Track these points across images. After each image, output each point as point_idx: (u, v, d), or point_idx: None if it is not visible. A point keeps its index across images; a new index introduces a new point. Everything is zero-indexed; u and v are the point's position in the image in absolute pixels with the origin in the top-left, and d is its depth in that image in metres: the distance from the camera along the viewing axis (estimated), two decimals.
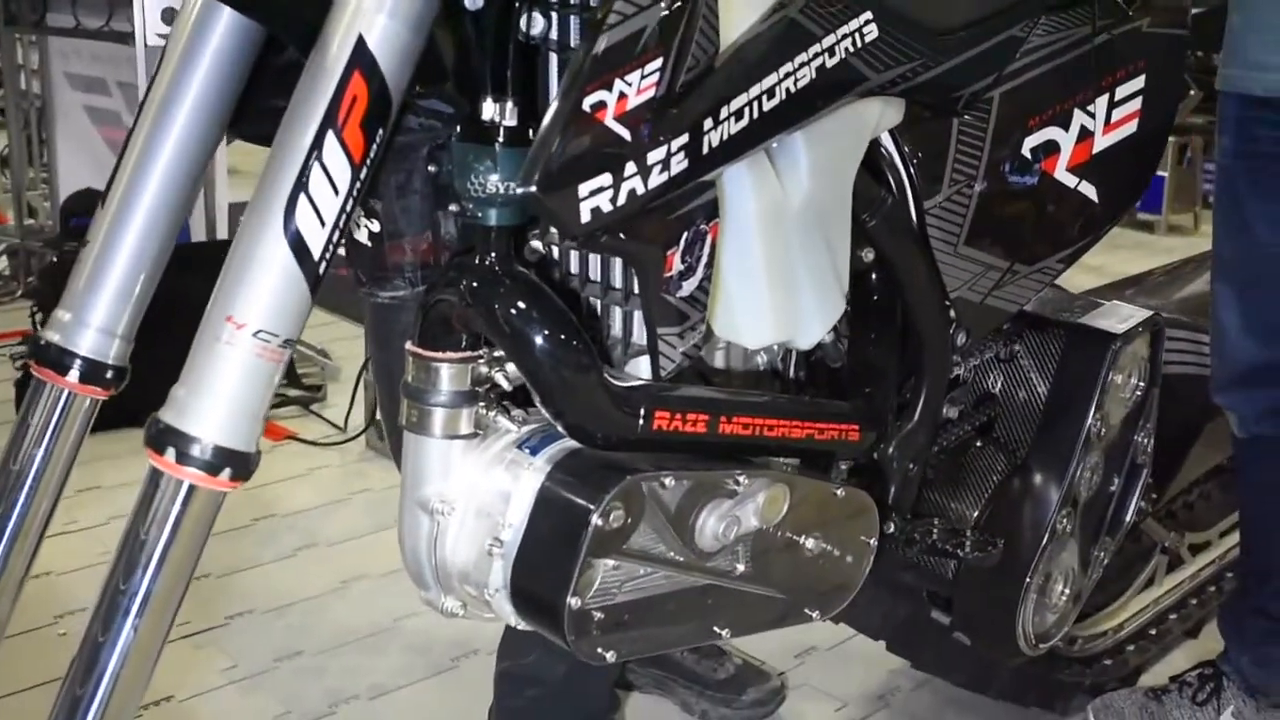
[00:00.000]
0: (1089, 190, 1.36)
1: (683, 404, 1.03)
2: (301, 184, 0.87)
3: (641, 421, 0.99)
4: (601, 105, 0.88)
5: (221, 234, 3.18)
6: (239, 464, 0.89)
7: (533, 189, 0.86)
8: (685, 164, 0.93)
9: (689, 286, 1.02)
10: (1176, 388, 1.61)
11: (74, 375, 1.05)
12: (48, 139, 3.81)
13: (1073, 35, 1.30)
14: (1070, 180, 1.34)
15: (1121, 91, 1.37)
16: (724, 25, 0.96)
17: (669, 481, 1.00)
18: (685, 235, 0.99)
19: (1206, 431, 1.77)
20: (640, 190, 0.91)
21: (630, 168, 0.90)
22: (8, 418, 1.95)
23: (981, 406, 1.47)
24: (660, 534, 1.01)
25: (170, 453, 0.88)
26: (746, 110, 0.97)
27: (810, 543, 1.12)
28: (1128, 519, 1.54)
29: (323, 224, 0.89)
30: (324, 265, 0.90)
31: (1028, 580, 1.40)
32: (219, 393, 0.88)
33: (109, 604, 0.89)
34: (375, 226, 1.12)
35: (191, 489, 0.89)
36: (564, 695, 1.50)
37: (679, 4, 0.91)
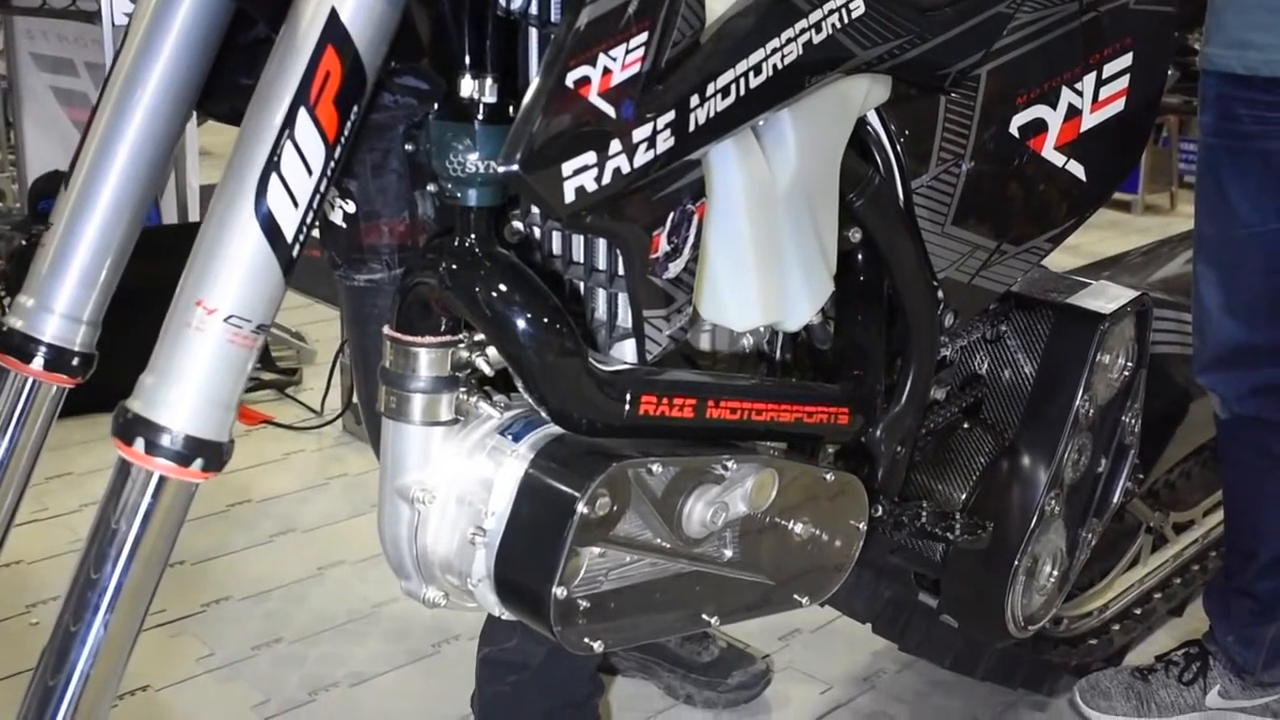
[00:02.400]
0: (1077, 169, 1.35)
1: (669, 388, 1.00)
2: (273, 163, 0.84)
3: (627, 406, 0.97)
4: (585, 81, 0.85)
5: (193, 216, 3.15)
6: (211, 454, 0.87)
7: (515, 168, 0.83)
8: (671, 142, 0.91)
9: (675, 268, 0.99)
10: (1161, 367, 1.60)
11: (39, 363, 1.02)
12: (15, 121, 3.74)
13: (1060, 12, 1.28)
14: (1058, 159, 1.33)
15: (1109, 69, 1.35)
16: None
17: (656, 468, 0.98)
18: (671, 216, 0.97)
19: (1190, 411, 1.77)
20: (626, 169, 0.89)
21: (615, 146, 0.88)
22: None
23: (968, 388, 1.45)
24: (647, 521, 0.99)
25: (139, 443, 0.85)
26: (733, 86, 0.94)
27: (799, 527, 1.11)
28: (1115, 500, 1.53)
29: (295, 205, 0.86)
30: (297, 248, 0.87)
31: (1016, 562, 1.39)
32: (189, 381, 0.85)
33: (79, 596, 0.87)
34: (350, 207, 1.08)
35: (162, 480, 0.86)
36: (546, 680, 1.48)
37: None
